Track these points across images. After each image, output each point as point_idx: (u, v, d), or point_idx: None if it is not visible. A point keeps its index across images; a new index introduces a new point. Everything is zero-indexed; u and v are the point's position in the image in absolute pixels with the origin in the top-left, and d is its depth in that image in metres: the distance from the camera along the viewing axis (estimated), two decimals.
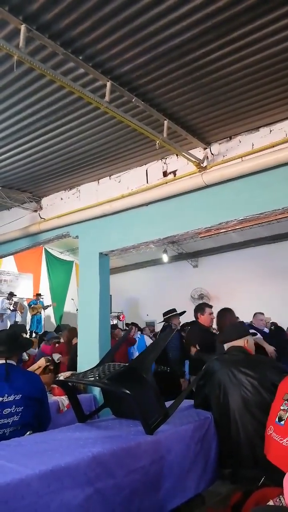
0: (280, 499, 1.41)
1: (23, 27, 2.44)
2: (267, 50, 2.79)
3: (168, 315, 5.39)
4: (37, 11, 2.42)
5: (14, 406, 2.33)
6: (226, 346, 2.75)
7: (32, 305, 10.71)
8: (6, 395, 2.33)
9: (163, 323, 5.61)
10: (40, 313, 10.79)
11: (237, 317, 5.05)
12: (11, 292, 10.27)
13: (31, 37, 2.54)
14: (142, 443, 1.92)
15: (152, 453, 1.94)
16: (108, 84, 2.98)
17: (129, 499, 1.76)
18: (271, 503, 1.42)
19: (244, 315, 6.28)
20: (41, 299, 10.94)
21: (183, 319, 6.08)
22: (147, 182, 4.46)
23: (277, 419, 2.02)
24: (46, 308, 11.09)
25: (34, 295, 11.07)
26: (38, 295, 10.99)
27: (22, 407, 2.36)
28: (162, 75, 3.01)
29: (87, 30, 2.56)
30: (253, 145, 3.75)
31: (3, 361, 2.48)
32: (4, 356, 2.49)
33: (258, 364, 2.55)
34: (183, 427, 2.21)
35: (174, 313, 5.44)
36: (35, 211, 5.58)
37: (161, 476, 1.95)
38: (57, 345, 6.62)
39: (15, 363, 2.54)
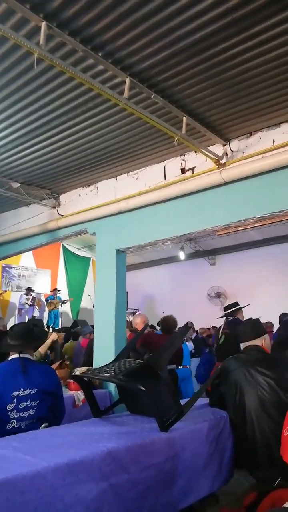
0: None
1: (43, 25, 2.45)
2: None
3: (233, 309, 4.93)
4: (57, 8, 2.43)
5: (29, 400, 2.36)
6: (243, 345, 2.72)
7: (50, 300, 10.84)
8: (22, 389, 2.36)
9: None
10: (58, 308, 10.92)
11: None
12: (29, 287, 10.42)
13: (51, 34, 2.55)
14: (157, 440, 1.92)
15: (166, 451, 1.94)
16: (127, 80, 2.98)
17: (142, 495, 1.77)
18: (286, 505, 1.40)
19: (263, 315, 6.19)
20: (58, 294, 11.07)
21: (200, 318, 5.93)
22: (165, 179, 4.44)
23: None
24: (64, 303, 11.21)
25: (51, 291, 11.22)
26: (55, 290, 11.12)
27: (38, 401, 2.39)
28: (182, 71, 2.99)
29: (107, 26, 2.56)
30: (273, 141, 3.68)
31: (17, 355, 2.50)
32: (18, 350, 2.52)
33: (275, 364, 2.52)
34: (198, 426, 2.20)
35: (239, 306, 5.01)
36: (54, 207, 5.64)
37: (175, 473, 1.95)
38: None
39: (30, 357, 2.57)
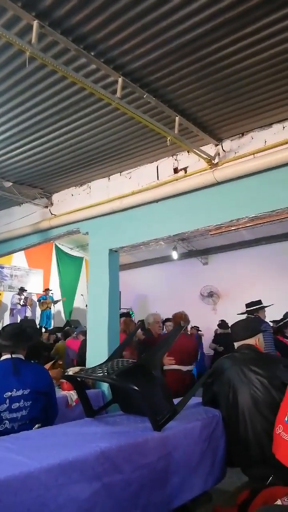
0: None
1: (35, 23, 2.44)
2: (280, 45, 2.76)
3: (255, 307, 4.63)
4: (50, 7, 2.42)
5: (22, 400, 2.36)
6: (237, 344, 2.73)
7: (42, 301, 10.79)
8: (15, 389, 2.35)
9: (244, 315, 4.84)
10: (50, 308, 10.87)
11: None
12: (21, 287, 10.36)
13: (43, 33, 2.54)
14: (150, 439, 1.92)
15: (159, 450, 1.94)
16: (120, 80, 2.98)
17: (136, 495, 1.77)
18: (279, 502, 1.41)
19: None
20: (50, 294, 11.01)
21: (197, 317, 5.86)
22: (158, 179, 4.45)
23: (286, 418, 2.01)
24: (56, 302, 11.16)
25: (43, 291, 11.16)
26: (47, 290, 11.05)
27: (31, 402, 2.38)
28: (174, 71, 3.00)
29: (99, 26, 2.56)
30: (265, 141, 3.71)
31: (9, 356, 2.49)
32: (9, 351, 2.51)
33: (269, 363, 2.53)
34: (191, 424, 2.21)
35: (261, 305, 4.72)
36: (46, 207, 5.61)
37: (168, 472, 1.95)
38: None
39: (22, 357, 2.56)
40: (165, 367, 4.33)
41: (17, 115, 3.60)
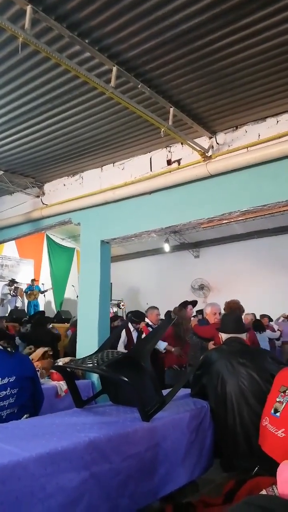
0: (273, 489, 1.42)
1: (29, 8, 2.39)
2: (276, 39, 2.74)
3: None
4: None
5: (9, 388, 2.37)
6: (225, 336, 2.76)
7: (29, 292, 10.69)
8: (0, 378, 2.36)
9: None
10: (37, 298, 10.79)
11: None
12: (12, 279, 10.27)
13: (36, 18, 2.49)
14: (139, 429, 1.93)
15: (148, 440, 1.96)
16: (114, 69, 2.94)
17: (124, 484, 1.79)
18: (264, 492, 1.43)
19: (245, 307, 6.25)
20: (37, 285, 10.91)
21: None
22: (151, 171, 4.42)
23: (272, 411, 2.04)
24: (43, 293, 11.08)
25: (35, 280, 11.06)
26: (33, 280, 10.93)
27: (17, 389, 2.39)
28: (169, 61, 2.97)
29: (94, 13, 2.52)
30: (259, 135, 3.71)
31: None
32: None
33: (256, 355, 2.57)
34: (180, 415, 2.23)
35: None
36: (38, 196, 5.56)
37: (156, 462, 1.98)
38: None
39: (1, 347, 2.61)
40: None
41: (9, 102, 3.54)
